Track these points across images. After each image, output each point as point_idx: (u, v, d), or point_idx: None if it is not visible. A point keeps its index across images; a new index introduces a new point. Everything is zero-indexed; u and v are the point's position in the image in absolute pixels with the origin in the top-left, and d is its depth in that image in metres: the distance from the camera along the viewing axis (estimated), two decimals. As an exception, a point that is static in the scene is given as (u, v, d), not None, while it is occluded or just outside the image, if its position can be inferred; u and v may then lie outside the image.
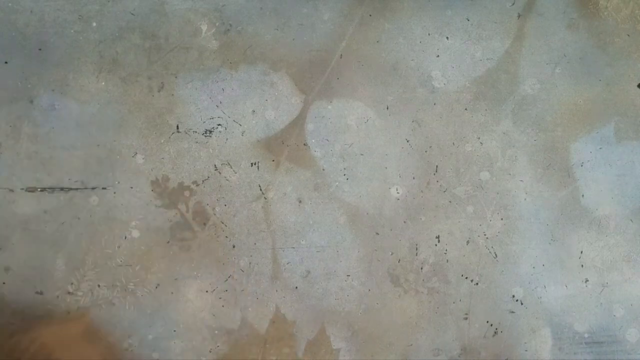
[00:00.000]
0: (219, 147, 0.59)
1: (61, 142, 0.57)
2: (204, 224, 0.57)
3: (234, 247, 0.58)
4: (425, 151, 0.61)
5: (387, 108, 0.61)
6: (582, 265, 0.60)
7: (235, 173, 0.58)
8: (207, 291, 0.57)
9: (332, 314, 0.57)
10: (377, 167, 0.59)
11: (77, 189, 0.57)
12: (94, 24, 0.59)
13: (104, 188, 0.57)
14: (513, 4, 0.62)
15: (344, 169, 0.59)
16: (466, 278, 0.59)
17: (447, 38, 0.62)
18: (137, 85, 0.59)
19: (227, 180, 0.58)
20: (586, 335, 0.58)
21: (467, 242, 0.59)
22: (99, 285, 0.56)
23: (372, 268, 0.58)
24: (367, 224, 0.58)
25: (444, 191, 0.60)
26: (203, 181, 0.58)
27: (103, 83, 0.58)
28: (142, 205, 0.57)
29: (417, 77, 0.62)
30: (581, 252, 0.60)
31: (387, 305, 0.58)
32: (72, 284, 0.56)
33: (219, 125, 0.59)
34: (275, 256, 0.57)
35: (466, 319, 0.59)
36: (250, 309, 0.57)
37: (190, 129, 0.59)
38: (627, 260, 0.60)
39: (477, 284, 0.59)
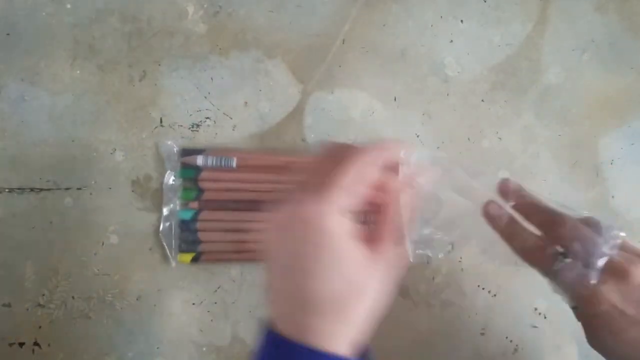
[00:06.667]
0: (207, 142, 0.53)
1: (31, 138, 0.52)
2: (191, 228, 0.52)
3: (224, 254, 0.52)
4: (438, 147, 0.55)
5: (395, 99, 0.56)
6: (613, 275, 0.54)
7: (226, 172, 0.53)
8: (193, 303, 0.52)
9: (334, 329, 0.52)
10: (384, 165, 0.54)
11: (49, 189, 0.52)
12: (68, 6, 0.54)
13: (78, 188, 0.52)
14: (535, -17, 0.57)
15: (347, 167, 0.54)
16: (483, 289, 0.54)
17: (462, 21, 0.57)
18: (116, 74, 0.53)
19: (216, 179, 0.53)
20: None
21: (485, 249, 0.54)
22: (73, 297, 0.51)
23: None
24: (372, 228, 0.53)
25: (459, 192, 0.55)
26: (189, 181, 0.53)
27: (78, 71, 0.53)
28: (122, 207, 0.52)
29: (428, 65, 0.56)
30: (611, 259, 0.55)
31: (394, 319, 0.53)
32: (43, 295, 0.51)
33: (207, 118, 0.54)
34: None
35: (483, 334, 0.54)
36: (242, 323, 0.52)
37: (175, 123, 0.53)
38: (664, 269, 0.54)
39: (495, 295, 0.54)
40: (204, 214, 0.50)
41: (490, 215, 0.40)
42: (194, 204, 0.51)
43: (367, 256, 0.28)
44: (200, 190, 0.50)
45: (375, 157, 0.29)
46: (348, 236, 0.27)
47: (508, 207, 0.40)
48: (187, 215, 0.50)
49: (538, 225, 0.39)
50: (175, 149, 0.51)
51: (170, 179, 0.51)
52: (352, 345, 0.28)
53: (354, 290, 0.27)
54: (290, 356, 0.26)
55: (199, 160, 0.50)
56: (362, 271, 0.27)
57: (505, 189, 0.41)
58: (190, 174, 0.50)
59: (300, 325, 0.27)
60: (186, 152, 0.51)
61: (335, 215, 0.27)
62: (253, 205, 0.51)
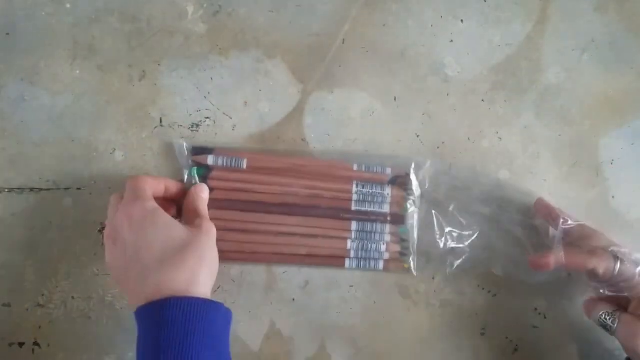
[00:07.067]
0: (207, 142, 0.53)
1: (31, 137, 0.52)
2: (191, 228, 0.52)
3: (224, 254, 0.53)
4: (438, 147, 0.55)
5: (395, 99, 0.56)
6: (613, 275, 0.54)
7: (226, 172, 0.53)
8: (193, 303, 0.52)
9: (334, 329, 0.52)
10: (384, 165, 0.54)
11: (48, 189, 0.52)
12: (68, 5, 0.54)
13: (78, 188, 0.52)
14: (535, -17, 0.57)
15: (347, 167, 0.54)
16: (483, 289, 0.54)
17: (462, 21, 0.57)
18: (116, 74, 0.53)
19: (216, 179, 0.53)
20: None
21: (484, 248, 0.54)
22: (73, 297, 0.51)
23: (378, 277, 0.53)
24: (372, 228, 0.53)
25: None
26: (189, 181, 0.53)
27: (78, 71, 0.53)
28: (122, 207, 0.52)
29: (429, 65, 0.56)
30: (611, 259, 0.55)
31: (394, 319, 0.53)
32: (43, 295, 0.51)
33: (207, 118, 0.54)
34: (270, 264, 0.52)
35: (483, 334, 0.54)
36: (242, 323, 0.52)
37: (175, 123, 0.53)
38: (664, 269, 0.54)
39: (495, 295, 0.54)
40: (210, 213, 0.50)
41: (548, 264, 0.47)
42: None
43: (186, 227, 0.42)
44: (209, 189, 0.50)
45: (147, 183, 0.45)
46: (168, 216, 0.41)
47: (560, 228, 0.48)
48: None
49: (577, 238, 0.48)
50: (185, 147, 0.51)
51: (185, 177, 0.50)
52: (203, 289, 0.39)
53: (183, 244, 0.39)
54: (155, 314, 0.36)
55: (210, 159, 0.50)
56: (185, 233, 0.41)
57: (544, 208, 0.51)
58: (200, 172, 0.50)
59: (153, 286, 0.37)
60: (196, 150, 0.51)
61: (157, 206, 0.42)
62: (260, 206, 0.51)
